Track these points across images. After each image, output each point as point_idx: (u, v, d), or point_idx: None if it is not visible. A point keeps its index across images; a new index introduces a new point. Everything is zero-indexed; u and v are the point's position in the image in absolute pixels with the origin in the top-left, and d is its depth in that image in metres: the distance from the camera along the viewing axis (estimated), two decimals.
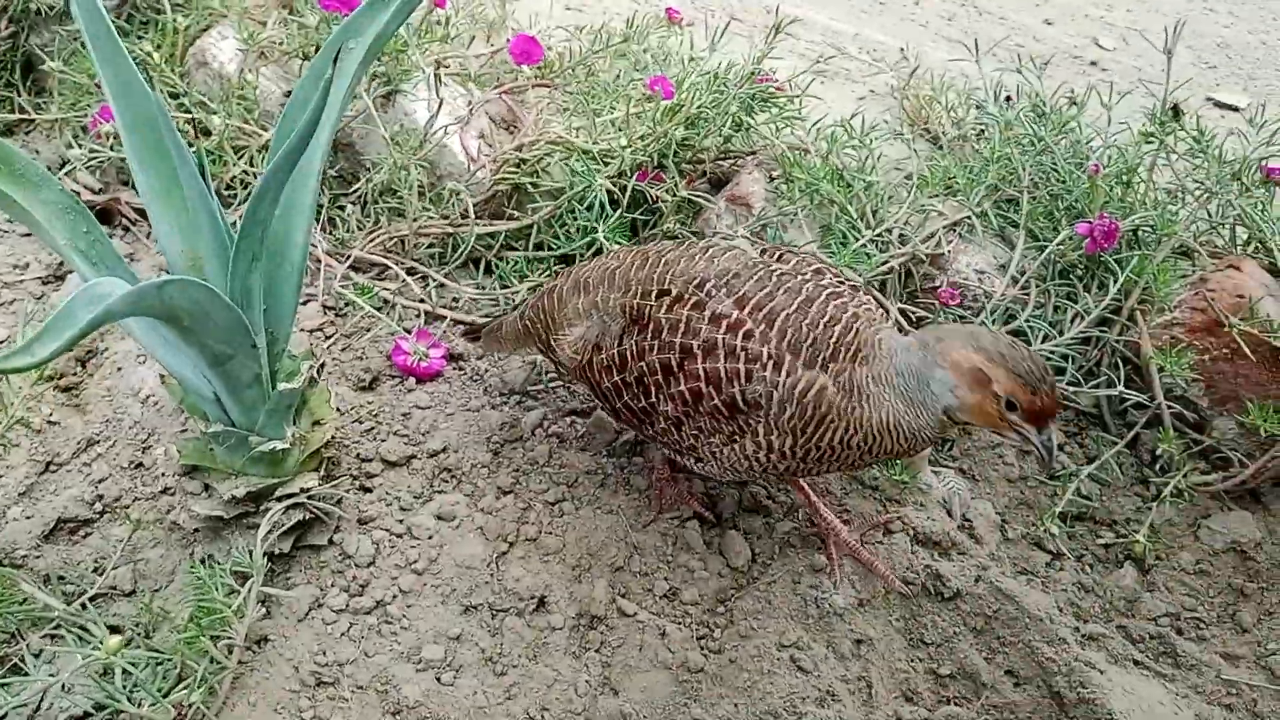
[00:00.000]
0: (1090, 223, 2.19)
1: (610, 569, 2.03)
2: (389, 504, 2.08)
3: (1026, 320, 2.24)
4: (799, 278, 1.77)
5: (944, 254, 2.37)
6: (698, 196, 2.46)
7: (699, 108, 2.38)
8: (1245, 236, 2.39)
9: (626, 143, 2.38)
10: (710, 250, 1.87)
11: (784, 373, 1.70)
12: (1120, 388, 2.18)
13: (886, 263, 2.29)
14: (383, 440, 2.21)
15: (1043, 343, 2.21)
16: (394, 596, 1.94)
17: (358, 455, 2.17)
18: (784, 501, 2.19)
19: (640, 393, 1.85)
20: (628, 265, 1.91)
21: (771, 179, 2.46)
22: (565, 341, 1.96)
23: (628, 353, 1.84)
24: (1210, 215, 2.39)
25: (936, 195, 2.46)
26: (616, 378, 1.87)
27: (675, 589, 2.02)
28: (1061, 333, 2.22)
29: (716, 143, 2.53)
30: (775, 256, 1.84)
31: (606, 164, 2.41)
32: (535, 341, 2.08)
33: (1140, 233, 2.33)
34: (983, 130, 2.61)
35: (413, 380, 2.36)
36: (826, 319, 1.72)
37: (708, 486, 2.19)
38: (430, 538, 2.02)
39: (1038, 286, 2.31)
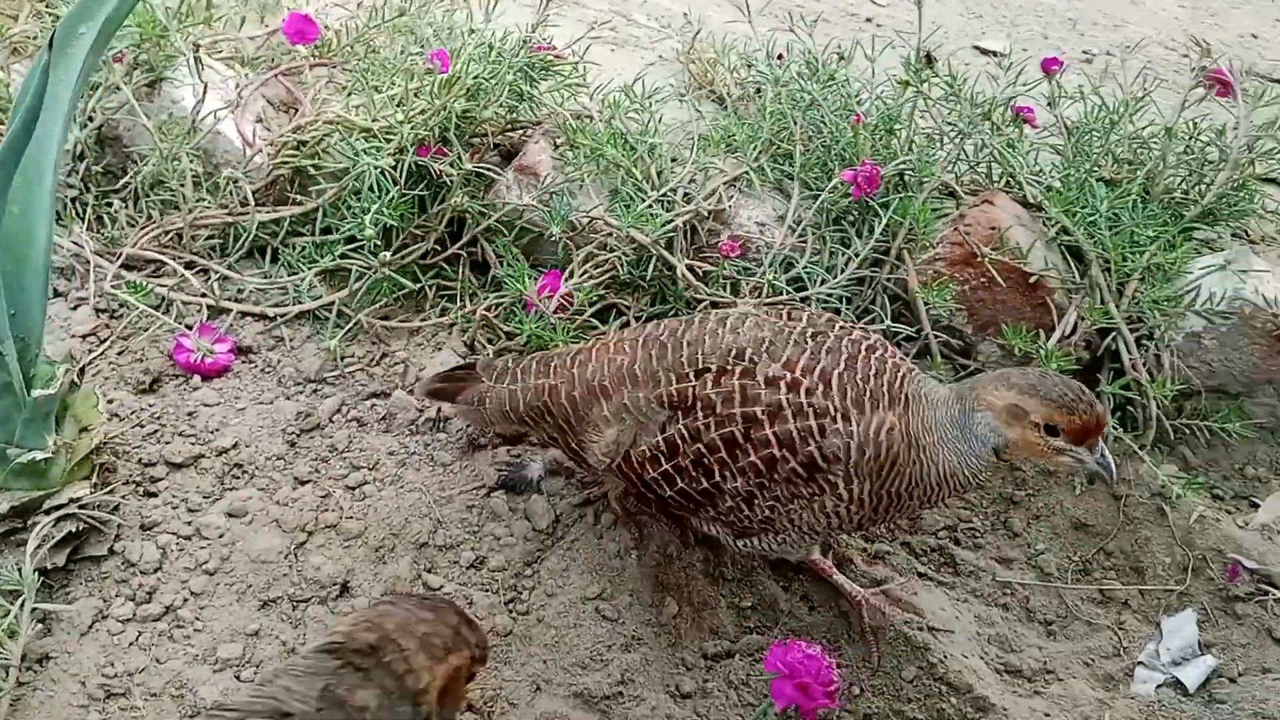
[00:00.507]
0: (854, 170, 2.30)
1: (415, 546, 2.02)
2: (175, 507, 2.01)
3: (804, 267, 2.35)
4: (832, 336, 1.78)
5: (725, 209, 2.44)
6: (484, 169, 2.45)
7: (475, 79, 2.37)
8: (999, 173, 2.57)
9: (404, 118, 2.35)
10: (729, 321, 1.84)
11: (854, 421, 1.69)
12: (888, 322, 2.31)
13: (671, 222, 2.35)
14: (166, 442, 2.13)
15: (820, 286, 2.32)
16: (185, 600, 1.88)
17: (139, 460, 2.08)
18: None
19: (701, 474, 1.77)
20: (646, 357, 1.83)
21: (556, 146, 2.48)
22: (597, 448, 1.87)
23: (675, 438, 1.77)
24: (968, 155, 2.55)
25: (718, 154, 2.54)
26: (666, 465, 1.79)
27: (482, 558, 2.04)
28: (836, 276, 2.33)
29: (499, 114, 2.52)
30: (788, 315, 1.85)
31: (388, 141, 2.38)
32: (543, 438, 2.00)
33: (905, 177, 2.46)
34: (758, 89, 2.70)
35: (198, 378, 2.28)
36: (874, 372, 1.73)
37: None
38: (221, 536, 1.96)
39: (814, 234, 2.42)
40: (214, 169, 2.51)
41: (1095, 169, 2.51)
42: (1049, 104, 2.63)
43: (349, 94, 2.53)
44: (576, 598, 1.97)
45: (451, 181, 2.40)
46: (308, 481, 2.12)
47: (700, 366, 1.78)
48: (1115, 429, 2.29)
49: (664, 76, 2.96)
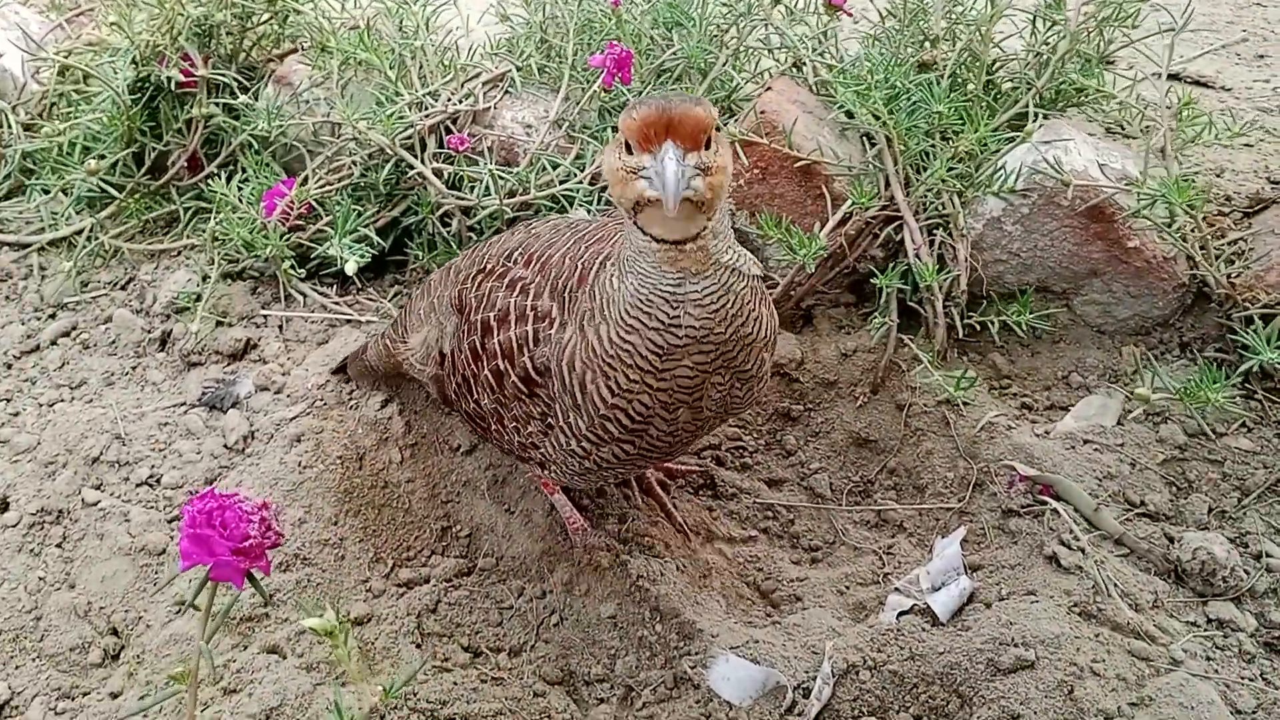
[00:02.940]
0: (602, 55, 2.08)
1: (86, 461, 1.88)
2: None
3: (565, 170, 2.13)
4: (603, 230, 1.52)
5: (488, 110, 2.25)
6: (219, 75, 2.29)
7: None
8: (786, 58, 2.30)
9: (141, 29, 2.24)
10: (538, 224, 1.65)
11: (566, 329, 1.43)
12: None
13: (415, 124, 2.17)
14: None
15: (566, 185, 2.10)
16: None
17: None
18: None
19: (466, 391, 1.58)
20: (463, 256, 1.68)
21: (303, 50, 2.34)
22: (409, 352, 1.71)
23: (454, 349, 1.59)
24: (763, 43, 2.29)
25: (493, 55, 2.35)
26: (454, 381, 1.60)
27: (159, 474, 1.88)
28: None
29: (253, 26, 2.38)
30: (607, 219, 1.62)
31: (129, 56, 2.27)
32: (392, 364, 1.81)
33: (684, 68, 2.23)
34: None
35: None
36: (579, 270, 1.46)
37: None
38: None
39: (586, 135, 2.20)
40: None
41: (903, 52, 2.23)
42: None
43: (111, 17, 2.44)
44: None
45: (195, 94, 2.27)
46: (3, 400, 2.00)
47: (481, 266, 1.60)
48: (902, 330, 1.99)
49: None
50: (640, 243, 1.31)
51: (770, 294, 1.71)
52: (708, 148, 1.24)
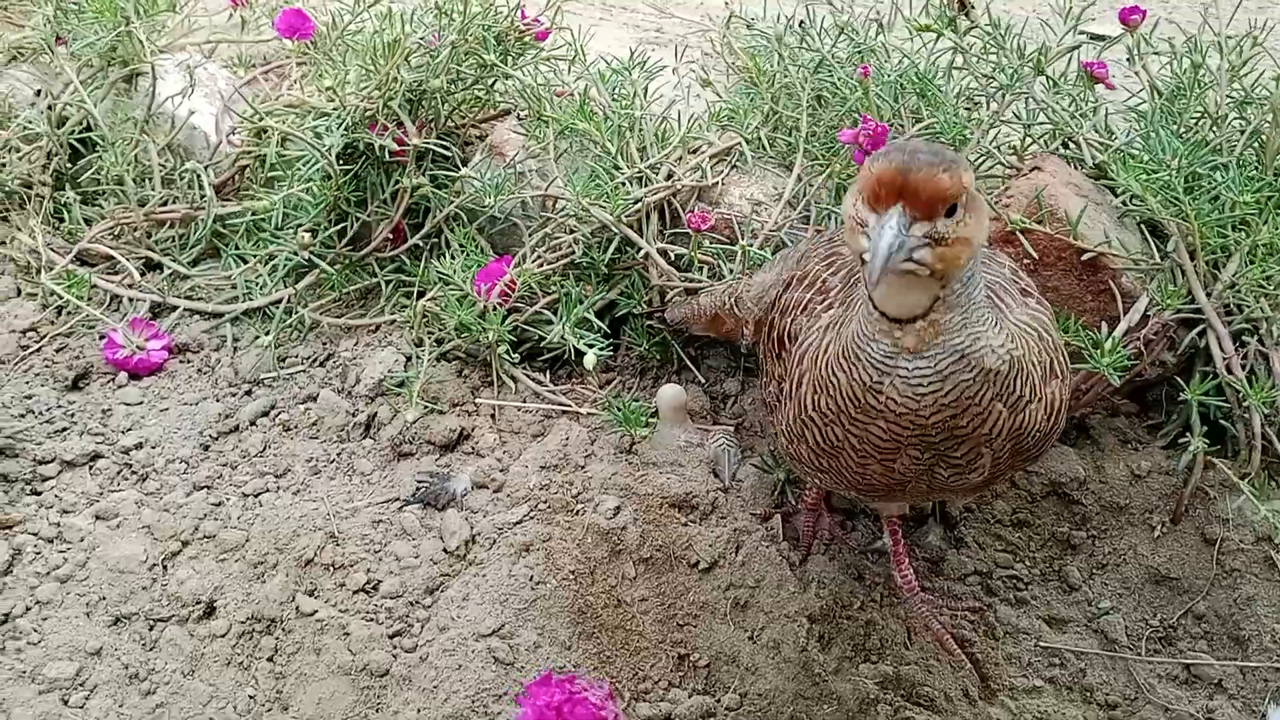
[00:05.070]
0: (854, 129, 1.89)
1: (299, 563, 1.72)
2: (50, 507, 1.80)
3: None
4: None
5: (715, 187, 2.08)
6: (436, 145, 2.16)
7: (422, 42, 2.11)
8: (1059, 138, 2.08)
9: (351, 92, 2.12)
10: None
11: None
12: None
13: (641, 199, 2.00)
14: (68, 440, 1.94)
15: None
16: (27, 608, 1.64)
17: (34, 458, 1.89)
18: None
19: (765, 335, 1.58)
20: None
21: (519, 119, 2.20)
22: (749, 288, 1.71)
23: (776, 295, 1.57)
24: (1021, 118, 2.08)
25: (714, 129, 2.19)
26: (765, 327, 1.59)
27: (376, 581, 1.71)
28: None
29: (465, 92, 2.26)
30: None
31: (340, 122, 2.15)
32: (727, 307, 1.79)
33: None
34: (755, 54, 2.32)
35: (124, 375, 2.09)
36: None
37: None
38: (83, 540, 1.73)
39: (819, 212, 2.01)
40: (180, 162, 2.38)
41: (1184, 130, 1.99)
42: (1129, 60, 2.14)
43: (319, 77, 2.35)
44: (470, 633, 1.60)
45: (404, 162, 2.14)
46: (204, 487, 1.87)
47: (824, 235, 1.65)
48: (1209, 451, 1.73)
49: (666, 54, 2.62)
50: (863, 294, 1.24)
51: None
52: (950, 215, 1.11)
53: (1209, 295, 1.79)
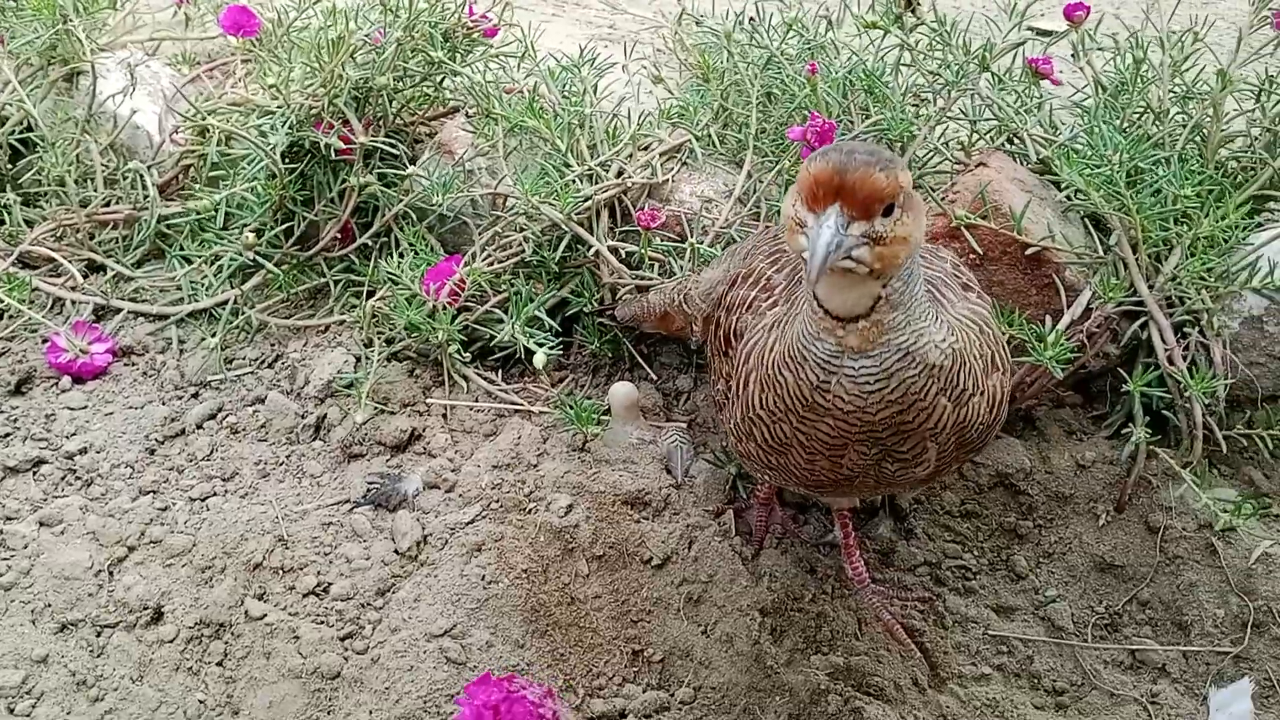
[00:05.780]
0: (802, 126, 1.90)
1: (247, 567, 1.70)
2: None
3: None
4: None
5: (665, 184, 2.08)
6: (383, 144, 2.14)
7: (366, 39, 2.09)
8: (1004, 133, 2.10)
9: (295, 90, 2.10)
10: None
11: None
12: None
13: (591, 197, 2.00)
14: (10, 446, 1.89)
15: None
16: None
17: None
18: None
19: (712, 333, 1.57)
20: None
21: (468, 116, 2.18)
22: (696, 285, 1.71)
23: (722, 292, 1.56)
24: (969, 114, 2.10)
25: (665, 126, 2.19)
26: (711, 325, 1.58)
27: (326, 583, 1.69)
28: None
29: (411, 89, 2.24)
30: None
31: (285, 119, 2.12)
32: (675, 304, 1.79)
33: (886, 140, 2.04)
34: (705, 51, 2.32)
35: (68, 379, 2.05)
36: None
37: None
38: (26, 547, 1.70)
39: (769, 207, 2.02)
40: (122, 162, 2.33)
41: (1127, 125, 2.03)
42: (1074, 56, 2.17)
43: (263, 75, 2.31)
44: (421, 634, 1.59)
45: (351, 161, 2.12)
46: (150, 492, 1.84)
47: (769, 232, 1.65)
48: (1151, 441, 1.76)
49: (618, 51, 2.61)
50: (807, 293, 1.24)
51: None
52: (888, 214, 1.12)
53: (1151, 288, 1.82)
